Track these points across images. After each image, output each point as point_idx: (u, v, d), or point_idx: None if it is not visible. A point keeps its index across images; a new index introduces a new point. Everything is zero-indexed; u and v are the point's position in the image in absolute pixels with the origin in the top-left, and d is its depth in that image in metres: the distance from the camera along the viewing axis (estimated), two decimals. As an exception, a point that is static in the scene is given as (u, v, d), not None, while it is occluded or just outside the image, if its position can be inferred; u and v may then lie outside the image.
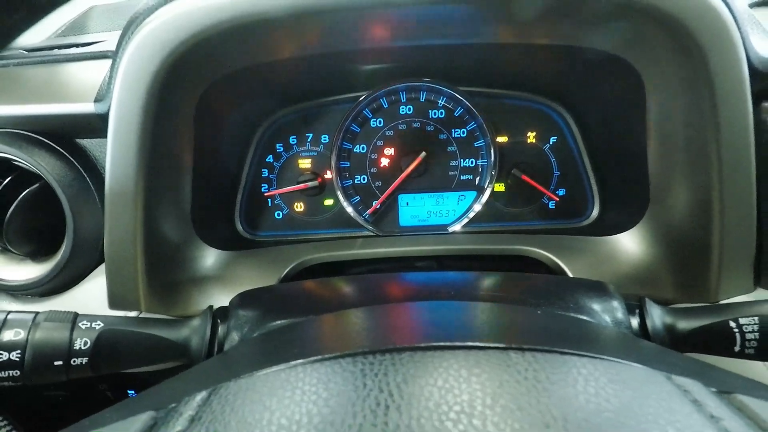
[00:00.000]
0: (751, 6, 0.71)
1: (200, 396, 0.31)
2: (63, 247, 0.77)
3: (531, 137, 0.94)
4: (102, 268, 0.79)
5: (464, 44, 0.75)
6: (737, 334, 0.47)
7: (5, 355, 0.47)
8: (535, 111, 0.93)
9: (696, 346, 0.50)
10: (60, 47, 0.93)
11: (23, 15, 0.93)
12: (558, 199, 0.95)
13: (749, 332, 0.47)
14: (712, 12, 0.56)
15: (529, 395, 0.25)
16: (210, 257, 0.83)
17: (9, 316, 0.49)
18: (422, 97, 0.92)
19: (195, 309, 0.75)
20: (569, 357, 0.29)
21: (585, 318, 0.47)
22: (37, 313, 0.50)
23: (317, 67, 0.82)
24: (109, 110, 0.62)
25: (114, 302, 0.70)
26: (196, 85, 0.67)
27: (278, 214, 0.98)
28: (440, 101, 0.92)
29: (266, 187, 0.96)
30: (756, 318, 0.47)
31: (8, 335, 0.47)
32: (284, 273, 0.83)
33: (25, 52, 0.93)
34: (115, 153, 0.63)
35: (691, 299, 0.69)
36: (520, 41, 0.71)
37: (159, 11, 0.58)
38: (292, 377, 0.30)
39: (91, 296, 0.81)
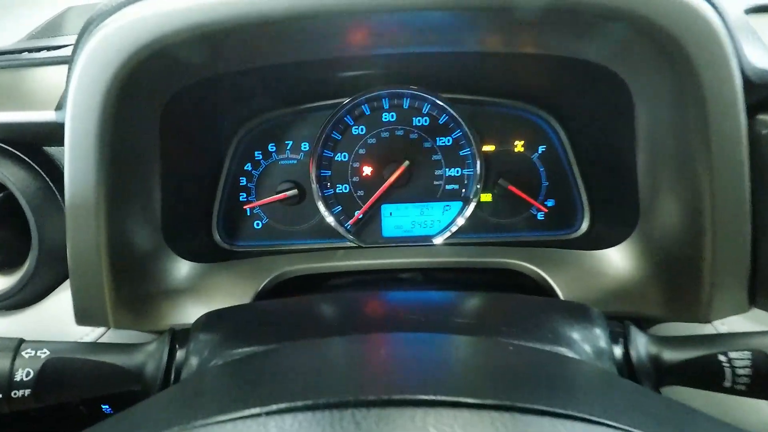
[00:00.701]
0: (748, 12, 0.68)
1: None
2: (28, 260, 0.74)
3: (519, 146, 0.91)
4: (71, 280, 0.77)
5: (449, 52, 0.72)
6: (727, 369, 0.44)
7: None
8: (522, 119, 0.90)
9: (683, 380, 0.47)
10: (30, 50, 0.90)
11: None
12: (547, 210, 0.92)
13: (740, 367, 0.43)
14: (701, 21, 0.52)
15: None
16: (183, 269, 0.80)
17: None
18: (406, 104, 0.89)
19: (167, 323, 0.73)
20: (529, 416, 0.25)
21: (562, 350, 0.44)
22: (-24, 341, 0.47)
23: (297, 74, 0.79)
24: None
25: (80, 317, 0.68)
26: (160, 93, 0.64)
27: (257, 224, 0.95)
28: (424, 108, 0.89)
29: (244, 195, 0.94)
30: (748, 352, 0.44)
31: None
32: (262, 285, 0.80)
33: (-7, 55, 0.90)
34: (73, 162, 0.60)
35: (682, 318, 0.67)
36: (507, 51, 0.68)
37: (118, 14, 0.55)
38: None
39: (59, 310, 0.78)
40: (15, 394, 0.45)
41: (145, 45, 0.54)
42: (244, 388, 0.34)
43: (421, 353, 0.37)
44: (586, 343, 0.48)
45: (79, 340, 0.75)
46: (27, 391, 0.45)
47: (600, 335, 0.49)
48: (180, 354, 0.52)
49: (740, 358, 0.43)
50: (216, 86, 0.73)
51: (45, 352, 0.47)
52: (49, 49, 0.89)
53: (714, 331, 0.67)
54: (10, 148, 0.75)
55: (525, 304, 0.56)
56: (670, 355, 0.47)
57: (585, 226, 0.91)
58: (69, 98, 0.57)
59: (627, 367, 0.48)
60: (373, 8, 0.53)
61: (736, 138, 0.57)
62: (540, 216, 0.93)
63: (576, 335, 0.48)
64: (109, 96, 0.57)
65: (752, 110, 0.59)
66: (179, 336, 0.55)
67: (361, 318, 0.51)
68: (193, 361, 0.50)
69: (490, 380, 0.32)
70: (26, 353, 0.46)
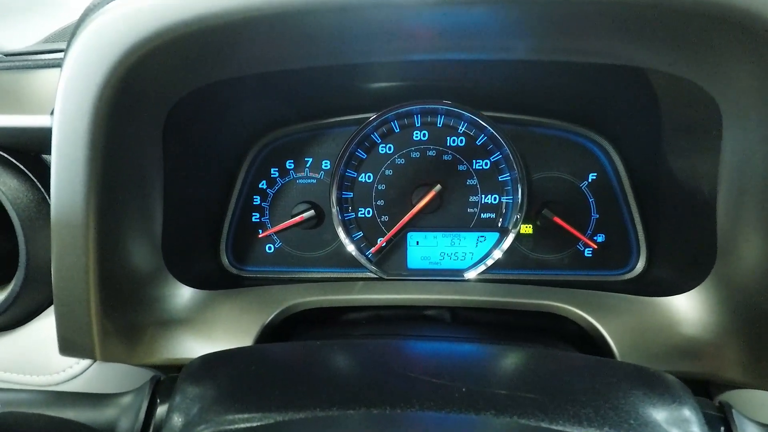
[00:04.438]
0: None
1: None
2: (14, 278, 0.68)
3: (566, 173, 0.83)
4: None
5: (492, 60, 0.64)
6: None
7: None
8: (571, 142, 0.82)
9: None
10: (41, 52, 0.85)
11: None
12: (596, 247, 0.83)
13: None
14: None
15: None
16: (183, 297, 0.72)
17: None
18: (440, 121, 0.82)
19: (162, 357, 0.66)
20: None
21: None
22: None
23: (319, 83, 0.73)
24: None
25: (64, 346, 0.61)
26: (163, 97, 0.57)
27: (269, 248, 0.87)
28: (460, 127, 0.82)
29: (257, 216, 0.87)
30: None
31: None
32: (269, 319, 0.72)
33: (2, 56, 0.85)
34: (60, 173, 0.53)
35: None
36: (563, 59, 0.59)
37: (118, 1, 0.47)
38: None
39: (43, 336, 0.72)
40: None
41: (145, 38, 0.47)
42: None
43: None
44: (674, 427, 0.37)
45: (40, 387, 0.69)
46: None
47: (690, 419, 0.38)
48: (161, 410, 0.44)
49: None
50: (229, 92, 0.66)
51: (-6, 405, 0.38)
52: (60, 51, 0.85)
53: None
54: (5, 155, 0.69)
55: (585, 369, 0.45)
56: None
57: (640, 266, 0.82)
58: (57, 100, 0.50)
59: None
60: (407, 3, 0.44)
61: None
62: (588, 253, 0.85)
63: (659, 415, 0.37)
64: (103, 98, 0.49)
65: None
66: (163, 386, 0.46)
67: (382, 382, 0.41)
68: (177, 420, 0.41)
69: None
70: (-30, 405, 0.38)
